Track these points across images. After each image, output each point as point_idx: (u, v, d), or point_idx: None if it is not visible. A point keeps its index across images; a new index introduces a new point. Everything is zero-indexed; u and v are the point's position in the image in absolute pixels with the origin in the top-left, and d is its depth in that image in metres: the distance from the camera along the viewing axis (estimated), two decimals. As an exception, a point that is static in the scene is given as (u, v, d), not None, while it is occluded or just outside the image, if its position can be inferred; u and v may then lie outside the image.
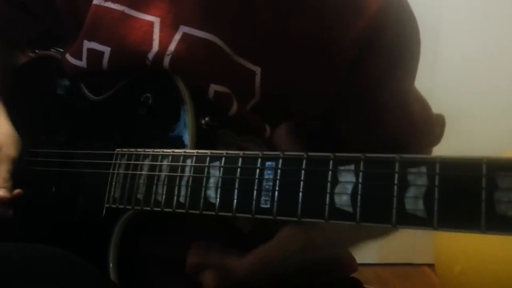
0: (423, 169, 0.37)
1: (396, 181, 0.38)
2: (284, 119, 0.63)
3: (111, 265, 0.61)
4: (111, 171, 0.63)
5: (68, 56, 0.72)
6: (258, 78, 0.64)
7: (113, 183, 0.62)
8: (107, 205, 0.62)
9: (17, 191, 0.68)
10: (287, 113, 0.65)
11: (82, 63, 0.70)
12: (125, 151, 0.62)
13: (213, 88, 0.62)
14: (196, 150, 0.55)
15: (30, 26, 0.80)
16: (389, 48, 0.65)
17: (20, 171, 0.71)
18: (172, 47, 0.63)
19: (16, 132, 0.73)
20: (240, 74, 0.64)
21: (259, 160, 0.48)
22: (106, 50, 0.66)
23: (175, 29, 0.63)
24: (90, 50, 0.68)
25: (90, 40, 0.68)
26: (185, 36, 0.63)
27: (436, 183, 0.36)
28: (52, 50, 0.83)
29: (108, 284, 0.60)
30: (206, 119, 0.60)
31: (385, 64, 0.65)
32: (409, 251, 2.20)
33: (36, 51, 0.89)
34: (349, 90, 0.66)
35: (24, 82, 0.83)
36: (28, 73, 0.84)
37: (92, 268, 0.59)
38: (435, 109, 0.77)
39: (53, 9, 0.74)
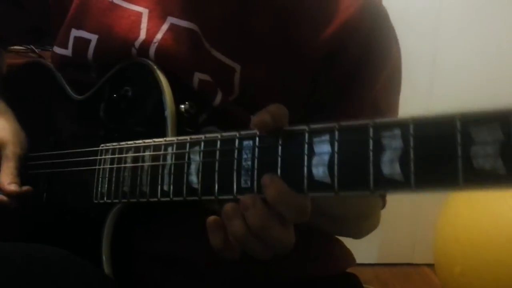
0: (397, 131, 0.35)
1: (371, 147, 0.37)
2: None
3: (104, 258, 0.60)
4: (97, 167, 0.62)
5: (54, 47, 0.72)
6: (237, 75, 0.63)
7: (100, 178, 0.61)
8: (96, 201, 0.62)
9: (25, 187, 0.68)
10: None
11: (68, 52, 0.69)
12: (108, 146, 0.61)
13: (198, 76, 0.62)
14: (176, 137, 0.53)
15: (20, 20, 0.79)
16: (357, 56, 0.64)
17: (24, 169, 0.70)
18: (159, 36, 0.63)
19: (22, 131, 0.73)
20: (219, 68, 0.63)
21: (237, 140, 0.47)
22: (93, 38, 0.66)
23: (163, 19, 0.64)
24: (77, 38, 0.68)
25: (78, 28, 0.68)
26: (172, 26, 0.64)
27: (411, 144, 0.34)
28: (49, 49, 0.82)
29: (107, 283, 0.59)
30: (186, 105, 0.58)
31: (352, 70, 0.65)
32: (409, 251, 2.16)
33: (33, 47, 0.89)
34: (321, 90, 0.65)
35: (12, 88, 0.82)
36: (15, 79, 0.83)
37: (91, 267, 0.58)
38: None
39: (43, 3, 0.74)
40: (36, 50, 1.08)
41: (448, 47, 2.06)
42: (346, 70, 0.64)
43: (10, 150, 0.69)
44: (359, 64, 0.64)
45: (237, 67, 0.63)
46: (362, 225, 0.73)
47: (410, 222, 2.07)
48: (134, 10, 0.65)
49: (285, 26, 0.64)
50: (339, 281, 0.74)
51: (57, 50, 0.71)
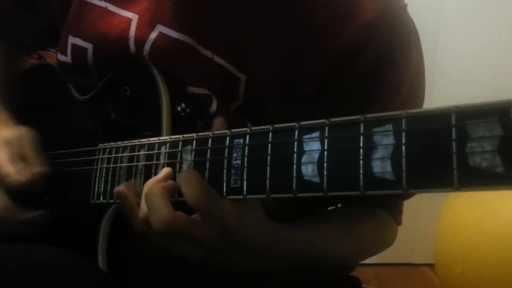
0: (389, 127, 0.31)
1: (361, 144, 0.33)
2: (268, 121, 0.58)
3: (100, 258, 0.57)
4: (94, 166, 0.60)
5: (57, 54, 0.69)
6: (242, 85, 0.59)
7: (97, 178, 0.59)
8: (92, 201, 0.59)
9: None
10: (272, 117, 0.59)
11: (67, 58, 0.66)
12: (106, 145, 0.59)
13: (191, 90, 0.58)
14: (170, 136, 0.50)
15: (33, 21, 0.76)
16: (375, 60, 0.59)
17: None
18: (147, 47, 0.58)
19: (26, 128, 0.69)
20: (221, 76, 0.59)
21: (228, 138, 0.43)
22: (89, 47, 0.63)
23: (152, 27, 0.59)
24: (74, 46, 0.65)
25: (74, 35, 0.65)
26: (161, 35, 0.58)
27: (403, 140, 0.31)
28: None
29: (107, 282, 0.56)
30: (182, 105, 0.55)
31: (367, 76, 0.59)
32: (409, 251, 2.10)
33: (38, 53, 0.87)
34: (339, 91, 0.60)
35: (21, 89, 0.80)
36: (23, 80, 0.81)
37: (94, 268, 0.56)
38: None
39: (51, 2, 0.70)
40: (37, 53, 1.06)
41: (448, 47, 2.01)
42: (367, 71, 0.59)
43: (24, 141, 0.66)
44: (380, 65, 0.59)
45: (243, 77, 0.58)
46: (373, 252, 0.69)
47: (410, 222, 2.01)
48: (124, 16, 0.61)
49: (295, 13, 0.58)
50: (341, 284, 0.70)
51: (59, 57, 0.68)
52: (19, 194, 0.64)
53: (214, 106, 0.58)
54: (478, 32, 2.02)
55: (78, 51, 0.64)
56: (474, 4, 2.02)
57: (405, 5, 0.62)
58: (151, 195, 0.46)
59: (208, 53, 0.58)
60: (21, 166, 0.63)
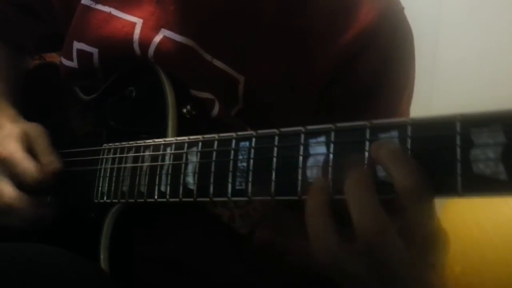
0: (395, 133, 0.32)
1: (366, 149, 0.33)
2: (269, 127, 0.58)
3: (102, 257, 0.58)
4: (98, 166, 0.60)
5: (61, 58, 0.69)
6: (241, 86, 0.59)
7: (101, 178, 0.59)
8: (96, 201, 0.59)
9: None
10: (272, 122, 0.60)
11: (74, 64, 0.66)
12: (110, 145, 0.59)
13: (193, 93, 0.59)
14: (175, 138, 0.51)
15: (35, 27, 0.76)
16: (375, 65, 0.59)
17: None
18: (151, 50, 0.59)
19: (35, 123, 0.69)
20: (222, 80, 0.59)
21: (234, 141, 0.44)
22: (94, 51, 0.63)
23: (156, 31, 0.59)
24: (79, 51, 0.65)
25: (79, 40, 0.65)
26: (165, 39, 0.59)
27: (409, 146, 0.31)
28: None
29: (107, 282, 0.56)
30: (188, 107, 0.56)
31: (368, 80, 0.60)
32: (409, 251, 2.10)
33: (42, 55, 0.88)
34: (329, 102, 0.61)
35: (25, 88, 0.80)
36: (28, 80, 0.81)
37: (95, 267, 0.56)
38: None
39: (52, 8, 0.71)
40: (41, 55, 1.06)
41: (448, 47, 2.01)
42: (367, 74, 0.60)
43: (42, 135, 0.67)
44: (379, 70, 0.60)
45: (241, 79, 0.59)
46: None
47: (411, 222, 2.02)
48: (128, 21, 0.61)
49: (296, 16, 0.59)
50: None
51: (64, 61, 0.68)
52: (29, 189, 0.64)
53: (215, 110, 0.59)
54: (478, 34, 2.02)
55: (83, 56, 0.64)
56: (474, 5, 2.02)
57: (403, 8, 0.63)
58: (315, 214, 0.37)
59: (208, 57, 0.59)
60: (36, 163, 0.63)
